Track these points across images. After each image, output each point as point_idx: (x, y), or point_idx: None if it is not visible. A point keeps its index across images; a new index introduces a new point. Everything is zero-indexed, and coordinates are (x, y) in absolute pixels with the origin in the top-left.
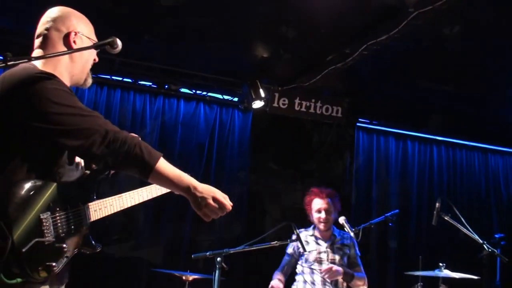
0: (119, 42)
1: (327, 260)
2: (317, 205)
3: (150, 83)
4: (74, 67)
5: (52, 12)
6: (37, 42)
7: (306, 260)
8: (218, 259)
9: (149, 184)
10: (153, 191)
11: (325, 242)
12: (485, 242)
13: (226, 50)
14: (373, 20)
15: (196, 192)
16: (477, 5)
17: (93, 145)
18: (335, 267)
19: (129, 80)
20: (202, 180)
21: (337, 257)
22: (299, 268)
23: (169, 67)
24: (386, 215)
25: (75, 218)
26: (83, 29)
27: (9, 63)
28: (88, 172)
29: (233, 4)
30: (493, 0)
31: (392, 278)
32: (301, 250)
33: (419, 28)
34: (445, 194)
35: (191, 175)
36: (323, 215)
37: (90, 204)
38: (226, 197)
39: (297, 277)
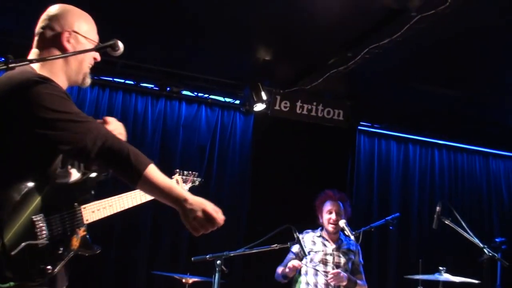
0: (120, 45)
1: (333, 262)
2: (329, 206)
3: (152, 85)
4: (69, 68)
5: (50, 10)
6: (35, 41)
7: (311, 260)
8: (218, 261)
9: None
10: None
11: (332, 245)
12: (485, 246)
13: (228, 53)
14: (375, 24)
15: (186, 204)
16: (480, 9)
17: (84, 151)
18: (342, 273)
19: (131, 82)
20: (203, 183)
21: (342, 261)
22: (303, 269)
23: (171, 69)
24: (386, 218)
25: (70, 219)
26: (81, 28)
27: (10, 65)
28: (86, 173)
29: (235, 6)
30: (495, 4)
31: (392, 281)
32: (306, 249)
33: (421, 32)
34: (446, 197)
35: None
36: (333, 216)
37: (87, 205)
38: (218, 210)
39: (300, 278)
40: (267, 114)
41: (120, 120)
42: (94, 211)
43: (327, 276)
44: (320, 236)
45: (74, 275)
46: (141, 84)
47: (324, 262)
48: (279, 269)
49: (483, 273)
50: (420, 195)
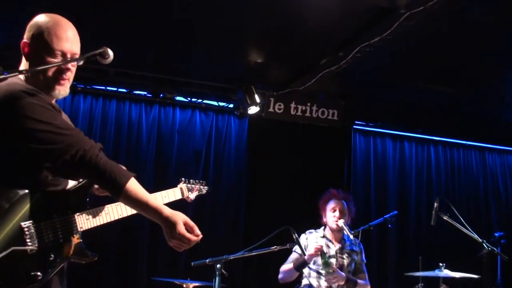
0: (110, 52)
1: (335, 265)
2: (333, 205)
3: (145, 93)
4: (37, 80)
5: None
6: None
7: (315, 262)
8: (218, 265)
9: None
10: (159, 198)
11: (335, 246)
12: (484, 241)
13: (220, 57)
14: (366, 22)
15: (161, 221)
16: (468, 5)
17: (67, 166)
18: (338, 273)
19: (124, 90)
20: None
21: (345, 262)
22: (305, 271)
23: (164, 75)
24: (385, 216)
25: (63, 226)
26: (40, 38)
27: (0, 77)
28: (80, 180)
29: (226, 9)
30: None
31: (393, 279)
32: (307, 252)
33: (411, 29)
34: (444, 194)
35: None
36: (337, 214)
37: (81, 213)
38: (193, 226)
39: (302, 280)
40: (261, 116)
41: (114, 128)
42: (89, 219)
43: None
44: (324, 236)
45: (74, 282)
46: (134, 92)
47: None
48: (287, 266)
49: (483, 267)
50: (417, 192)
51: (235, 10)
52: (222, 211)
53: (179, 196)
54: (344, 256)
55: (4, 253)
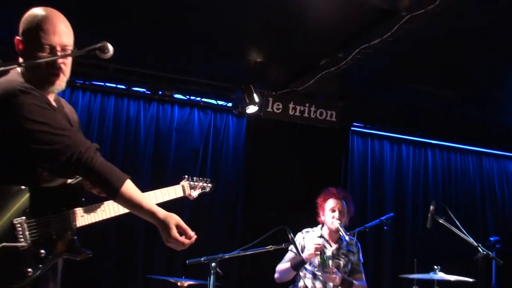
0: (110, 47)
1: (332, 265)
2: (332, 204)
3: (144, 90)
4: (33, 76)
5: None
6: None
7: (311, 263)
8: (213, 264)
9: (160, 185)
10: (158, 196)
11: (332, 246)
12: (479, 245)
13: (219, 56)
14: (366, 24)
15: (160, 220)
16: (469, 8)
17: (64, 167)
18: (336, 273)
19: (123, 87)
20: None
21: (341, 263)
22: (301, 272)
23: (163, 73)
24: (381, 218)
25: (56, 223)
26: (29, 32)
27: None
28: (78, 176)
29: (226, 9)
30: (484, 3)
31: (388, 281)
32: (305, 251)
33: (412, 31)
34: (440, 197)
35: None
36: (336, 214)
37: (76, 209)
38: (186, 229)
39: (297, 282)
40: (259, 116)
41: (112, 124)
42: (83, 216)
43: (324, 282)
44: (321, 236)
45: (69, 280)
46: (133, 89)
47: (323, 265)
48: (284, 265)
49: (478, 271)
50: (413, 195)
51: (235, 9)
52: (219, 210)
53: (180, 194)
54: (341, 257)
55: None
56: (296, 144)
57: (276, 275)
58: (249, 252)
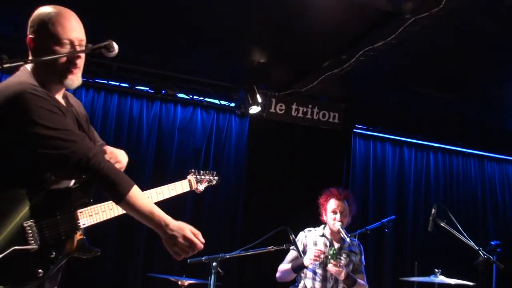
0: (115, 46)
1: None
2: (333, 205)
3: (147, 88)
4: (45, 72)
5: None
6: None
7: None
8: (214, 263)
9: (162, 184)
10: (165, 192)
11: (334, 246)
12: (480, 248)
13: (223, 56)
14: (370, 26)
15: (167, 230)
16: (473, 11)
17: (72, 171)
18: (342, 267)
19: (126, 85)
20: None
21: (343, 263)
22: (302, 271)
23: (166, 72)
24: (382, 221)
25: (65, 224)
26: (45, 30)
27: (5, 66)
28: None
29: (230, 9)
30: (489, 6)
31: (388, 284)
32: (308, 249)
33: (416, 35)
34: (441, 200)
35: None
36: (338, 216)
37: (84, 209)
38: (198, 233)
39: (298, 282)
40: (262, 116)
41: (115, 123)
42: (91, 215)
43: (324, 281)
44: (323, 235)
45: (70, 277)
46: (136, 87)
47: (324, 265)
48: (285, 266)
49: (479, 275)
50: (415, 197)
51: (239, 9)
52: (220, 210)
53: (187, 189)
54: (342, 257)
55: (5, 253)
56: (298, 145)
57: (277, 274)
58: (250, 252)
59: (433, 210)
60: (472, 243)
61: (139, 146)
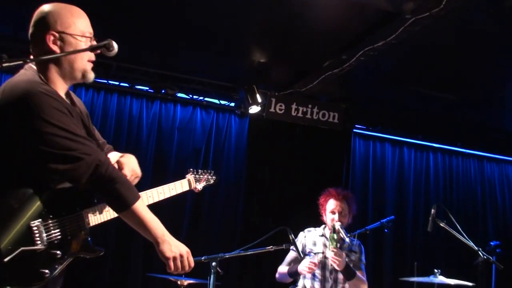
0: (115, 45)
1: (331, 265)
2: (332, 206)
3: (147, 88)
4: (62, 69)
5: (34, 15)
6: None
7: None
8: (213, 263)
9: (162, 184)
10: (166, 191)
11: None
12: (480, 249)
13: (223, 55)
14: (370, 26)
15: (165, 246)
16: (473, 12)
17: (81, 175)
18: (344, 258)
19: (126, 85)
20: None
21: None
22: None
23: (166, 71)
24: (381, 221)
25: (71, 223)
26: (65, 26)
27: (4, 65)
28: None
29: (230, 9)
30: (489, 7)
31: (388, 284)
32: (307, 249)
33: (416, 34)
34: (441, 201)
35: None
36: (337, 217)
37: (89, 209)
38: (187, 257)
39: (298, 282)
40: (262, 116)
41: (115, 122)
42: (96, 214)
43: (323, 281)
44: (323, 235)
45: (69, 277)
46: (136, 87)
47: (323, 265)
48: (283, 269)
49: (478, 276)
50: (415, 198)
51: (239, 9)
52: (220, 210)
53: (186, 188)
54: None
55: (13, 254)
56: (298, 145)
57: (276, 275)
58: (250, 252)
59: (432, 210)
60: (471, 244)
61: (139, 145)
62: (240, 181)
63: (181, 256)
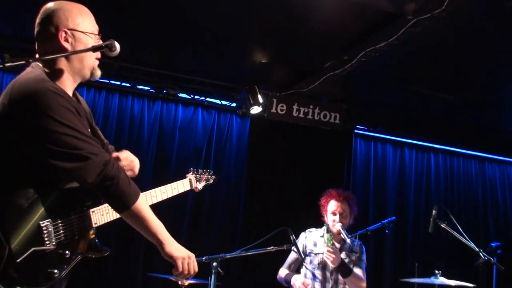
0: (117, 45)
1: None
2: (333, 207)
3: (148, 88)
4: (72, 66)
5: (42, 12)
6: (36, 46)
7: (311, 262)
8: (214, 263)
9: (163, 184)
10: (169, 191)
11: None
12: (481, 250)
13: (224, 56)
14: (372, 27)
15: (171, 246)
16: (475, 13)
17: (88, 174)
18: (337, 252)
19: (128, 85)
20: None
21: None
22: (302, 271)
23: (168, 72)
24: (383, 222)
25: (79, 223)
26: (76, 23)
27: (6, 65)
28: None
29: (232, 9)
30: (491, 8)
31: (388, 285)
32: (307, 250)
33: (417, 35)
34: (442, 201)
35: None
36: (337, 218)
37: (97, 208)
38: (193, 260)
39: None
40: (263, 117)
41: (116, 122)
42: (103, 214)
43: (324, 281)
44: (323, 236)
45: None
46: (138, 87)
47: (323, 265)
48: (283, 272)
49: (479, 277)
50: (416, 199)
51: (241, 9)
52: (221, 210)
53: (188, 187)
54: (342, 257)
55: (26, 254)
56: (299, 145)
57: (277, 277)
58: (251, 253)
59: (433, 211)
60: (472, 245)
61: (140, 145)
62: (241, 182)
63: (189, 257)
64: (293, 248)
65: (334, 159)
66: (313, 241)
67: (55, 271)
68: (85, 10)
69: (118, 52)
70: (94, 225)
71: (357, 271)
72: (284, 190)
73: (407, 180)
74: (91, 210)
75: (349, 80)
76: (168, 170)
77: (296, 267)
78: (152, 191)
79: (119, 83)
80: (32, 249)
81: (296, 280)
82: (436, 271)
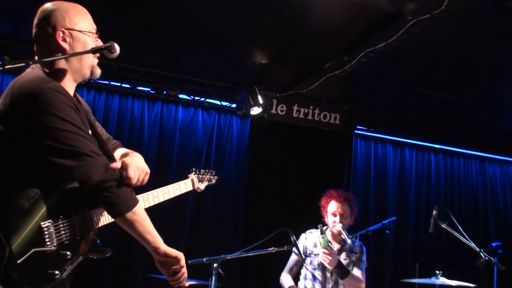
0: (117, 47)
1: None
2: (333, 208)
3: (149, 89)
4: (71, 65)
5: (39, 13)
6: (35, 47)
7: (311, 263)
8: (215, 265)
9: (163, 185)
10: (171, 191)
11: (334, 246)
12: (481, 250)
13: (224, 57)
14: (371, 28)
15: (162, 257)
16: (474, 13)
17: (90, 174)
18: (334, 253)
19: (128, 86)
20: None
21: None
22: (303, 271)
23: (168, 73)
24: (383, 222)
25: (80, 224)
26: (74, 23)
27: (6, 67)
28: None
29: (232, 10)
30: (491, 8)
31: (389, 285)
32: (307, 251)
33: (417, 36)
34: (443, 202)
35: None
36: (337, 219)
37: (98, 209)
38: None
39: (299, 283)
40: (263, 117)
41: (116, 123)
42: (105, 215)
43: (324, 282)
44: (318, 238)
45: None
46: (138, 88)
47: (323, 266)
48: (285, 279)
49: (480, 277)
50: (416, 199)
51: (241, 10)
52: (221, 211)
53: (190, 188)
54: (342, 257)
55: (27, 255)
56: (300, 146)
57: (280, 282)
58: (251, 254)
59: (434, 211)
60: (473, 245)
61: (140, 146)
62: (241, 182)
63: (178, 262)
64: (294, 249)
65: (334, 160)
66: (313, 242)
67: (56, 272)
68: (82, 9)
69: (118, 53)
70: (95, 226)
71: (356, 272)
72: (285, 191)
73: (407, 180)
74: (93, 211)
75: (349, 80)
76: (168, 171)
77: (298, 269)
78: (154, 191)
79: (119, 84)
80: (33, 250)
81: None
82: (437, 271)
